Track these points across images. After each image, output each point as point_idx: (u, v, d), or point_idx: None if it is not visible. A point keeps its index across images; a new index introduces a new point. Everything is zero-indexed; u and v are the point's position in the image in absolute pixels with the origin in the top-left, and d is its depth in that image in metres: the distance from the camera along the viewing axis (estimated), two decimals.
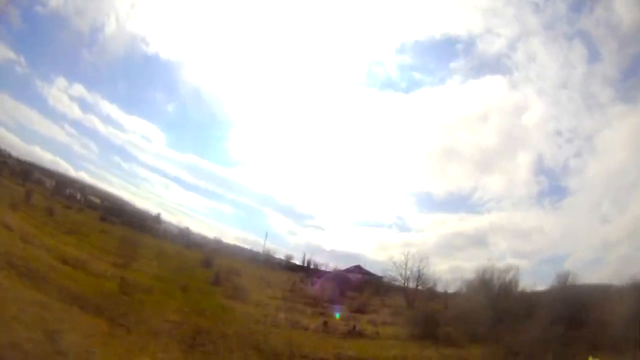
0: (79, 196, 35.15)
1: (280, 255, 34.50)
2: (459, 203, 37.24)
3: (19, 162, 32.11)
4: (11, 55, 32.16)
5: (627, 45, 32.52)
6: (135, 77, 40.57)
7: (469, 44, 38.62)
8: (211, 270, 24.57)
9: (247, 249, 35.37)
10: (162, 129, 39.12)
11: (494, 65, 39.23)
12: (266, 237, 34.70)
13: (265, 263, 32.98)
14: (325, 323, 18.83)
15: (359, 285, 29.06)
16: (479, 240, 33.49)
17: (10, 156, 31.91)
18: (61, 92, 34.34)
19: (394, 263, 27.83)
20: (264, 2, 43.37)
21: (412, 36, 44.87)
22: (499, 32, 37.07)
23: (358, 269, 30.95)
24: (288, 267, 32.73)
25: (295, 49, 46.54)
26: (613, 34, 33.18)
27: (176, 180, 39.16)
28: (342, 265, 31.93)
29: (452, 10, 42.59)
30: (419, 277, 27.32)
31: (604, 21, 33.44)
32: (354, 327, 18.68)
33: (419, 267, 27.28)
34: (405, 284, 27.70)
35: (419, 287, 27.60)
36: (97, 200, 35.34)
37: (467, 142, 39.34)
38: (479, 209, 36.14)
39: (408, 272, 27.40)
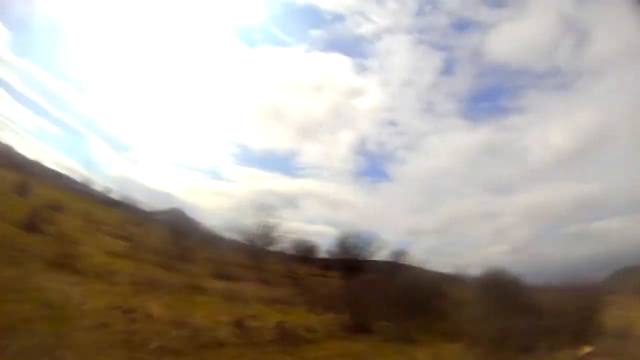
0: None
1: (99, 187, 31.51)
2: (276, 163, 39.53)
3: None
4: None
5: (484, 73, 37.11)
6: None
7: (339, 18, 40.61)
8: (27, 202, 19.73)
9: (65, 175, 31.69)
10: (9, 28, 32.70)
11: (351, 45, 41.38)
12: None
13: (85, 194, 30.12)
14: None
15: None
16: (290, 202, 34.87)
17: None
18: None
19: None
20: None
21: None
22: (372, 19, 39.15)
23: (179, 213, 32.29)
24: (108, 202, 30.14)
25: None
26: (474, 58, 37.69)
27: (8, 88, 33.19)
28: (161, 206, 30.10)
29: None
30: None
31: (471, 46, 38.56)
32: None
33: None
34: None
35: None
36: None
37: (295, 107, 40.61)
38: (295, 172, 37.92)
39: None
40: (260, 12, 45.19)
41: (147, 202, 30.04)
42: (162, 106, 41.39)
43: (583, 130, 33.29)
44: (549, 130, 35.85)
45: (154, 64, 41.60)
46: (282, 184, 36.32)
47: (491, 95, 41.27)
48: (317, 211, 35.81)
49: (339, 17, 40.96)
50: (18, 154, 31.68)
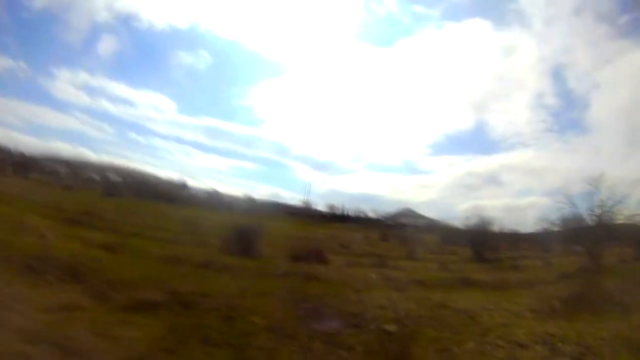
0: (97, 178, 33.54)
1: (318, 206, 33.36)
2: (465, 145, 38.81)
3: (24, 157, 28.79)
4: (10, 62, 32.56)
5: None
6: (138, 52, 40.64)
7: None
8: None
9: (281, 203, 34.44)
10: (171, 97, 39.16)
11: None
12: (308, 188, 33.60)
13: (310, 217, 32.24)
14: None
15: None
16: (491, 179, 34.05)
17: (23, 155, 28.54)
18: (66, 84, 34.73)
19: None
20: None
21: None
22: None
23: (410, 212, 30.92)
24: (335, 218, 31.94)
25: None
26: None
27: (195, 145, 41.86)
28: (387, 211, 31.49)
29: None
30: None
31: None
32: None
33: None
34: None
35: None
36: (119, 179, 34.23)
37: (463, 87, 39.86)
38: (486, 149, 36.97)
39: None
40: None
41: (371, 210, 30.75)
42: (343, 117, 43.44)
43: None
44: None
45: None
46: (476, 164, 34.73)
47: None
48: (523, 183, 34.04)
49: None
50: (225, 195, 35.90)
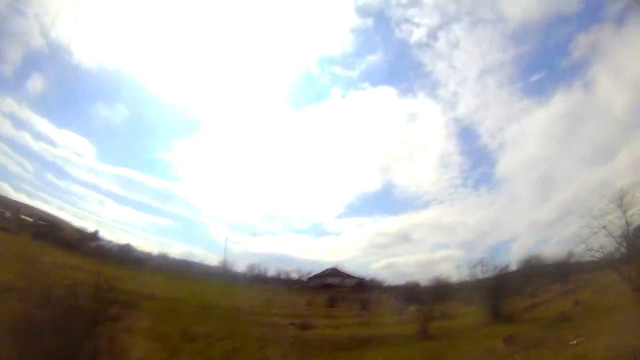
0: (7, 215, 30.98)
1: (239, 267, 31.11)
2: (373, 206, 38.51)
3: None
4: None
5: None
6: (64, 89, 38.17)
7: None
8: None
9: (196, 262, 32.44)
10: (91, 142, 37.13)
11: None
12: (226, 243, 30.93)
13: (231, 279, 29.31)
14: None
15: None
16: (403, 237, 34.47)
17: None
18: None
19: None
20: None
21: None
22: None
23: (336, 272, 29.09)
24: (260, 280, 29.24)
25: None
26: None
27: (110, 194, 37.82)
28: (309, 272, 29.99)
29: None
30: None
31: None
32: None
33: None
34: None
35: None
36: (30, 219, 32.18)
37: (369, 151, 40.51)
38: (394, 210, 38.78)
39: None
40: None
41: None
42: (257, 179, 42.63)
43: None
44: None
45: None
46: (384, 224, 35.06)
47: None
48: (435, 239, 34.73)
49: None
50: (138, 251, 33.39)
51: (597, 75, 33.08)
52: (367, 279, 28.26)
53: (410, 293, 25.96)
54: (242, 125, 43.09)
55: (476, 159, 38.45)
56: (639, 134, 30.59)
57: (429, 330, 18.00)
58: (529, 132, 36.20)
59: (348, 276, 28.63)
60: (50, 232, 31.91)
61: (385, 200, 37.19)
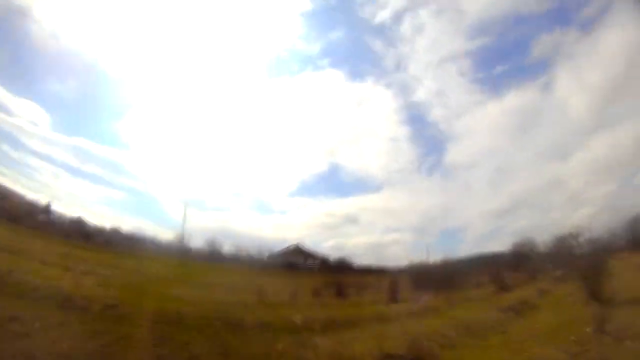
0: None
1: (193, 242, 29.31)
2: (317, 188, 37.81)
3: None
4: None
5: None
6: (22, 55, 34.52)
7: None
8: None
9: (148, 237, 30.70)
10: (47, 110, 34.67)
11: None
12: (184, 217, 28.92)
13: (187, 255, 27.42)
14: None
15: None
16: (350, 219, 34.17)
17: None
18: None
19: None
20: None
21: None
22: None
23: (298, 250, 27.53)
24: (216, 257, 27.34)
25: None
26: None
27: (64, 166, 35.81)
28: (268, 249, 28.51)
29: None
30: None
31: None
32: None
33: None
34: None
35: None
36: None
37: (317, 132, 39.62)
38: (338, 192, 38.03)
39: None
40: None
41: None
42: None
43: None
44: None
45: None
46: (330, 205, 34.46)
47: None
48: (383, 222, 34.20)
49: None
50: (90, 225, 31.81)
51: (557, 76, 33.33)
52: (331, 259, 26.82)
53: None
54: (195, 98, 41.44)
55: (429, 146, 38.29)
56: (596, 137, 31.88)
57: None
58: (484, 124, 36.00)
59: (311, 255, 27.25)
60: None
61: (331, 183, 36.69)
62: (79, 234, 30.95)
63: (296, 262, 26.79)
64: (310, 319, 11.97)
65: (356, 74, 42.29)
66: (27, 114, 34.40)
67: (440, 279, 19.86)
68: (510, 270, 26.02)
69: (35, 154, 34.95)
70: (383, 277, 23.41)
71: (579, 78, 32.94)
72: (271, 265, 27.20)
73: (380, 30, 37.06)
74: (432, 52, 39.75)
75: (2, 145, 33.61)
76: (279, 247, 28.04)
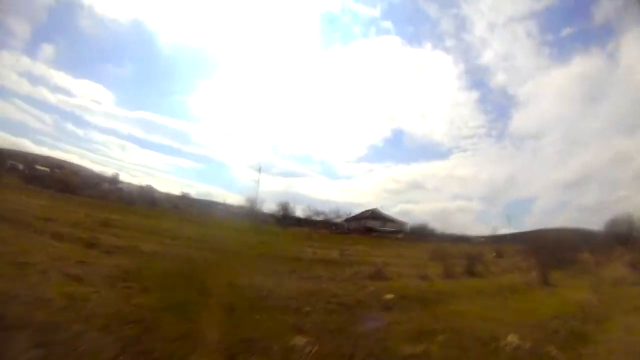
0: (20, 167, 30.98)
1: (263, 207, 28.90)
2: (382, 153, 38.46)
3: None
4: None
5: None
6: (79, 42, 38.15)
7: None
8: None
9: (217, 202, 31.55)
10: (108, 88, 36.56)
11: None
12: (258, 182, 28.47)
13: (262, 220, 26.92)
14: None
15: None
16: (415, 184, 33.81)
17: None
18: (7, 69, 31.44)
19: None
20: None
21: None
22: None
23: (376, 214, 26.65)
24: (290, 221, 26.81)
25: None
26: None
27: (130, 138, 37.92)
28: (346, 213, 27.68)
29: None
30: None
31: None
32: None
33: None
34: None
35: None
36: (46, 169, 31.97)
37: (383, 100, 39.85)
38: (401, 158, 37.87)
39: None
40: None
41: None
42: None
43: None
44: None
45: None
46: (395, 170, 34.33)
47: None
48: (449, 189, 34.00)
49: None
50: (161, 193, 32.56)
51: (622, 44, 30.85)
52: (409, 224, 25.82)
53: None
54: (260, 66, 41.27)
55: (494, 112, 37.43)
56: None
57: None
58: (550, 90, 34.52)
59: (389, 219, 26.33)
60: (52, 177, 30.80)
61: (396, 149, 36.72)
62: (144, 201, 31.37)
63: (374, 226, 26.01)
64: None
65: (417, 37, 41.63)
66: (88, 94, 36.90)
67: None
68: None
69: (100, 129, 37.11)
70: (483, 247, 22.08)
71: None
72: (348, 229, 26.52)
73: None
74: (499, 11, 37.78)
75: (66, 125, 35.66)
76: (348, 211, 27.42)
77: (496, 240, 28.95)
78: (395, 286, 9.88)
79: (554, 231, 23.29)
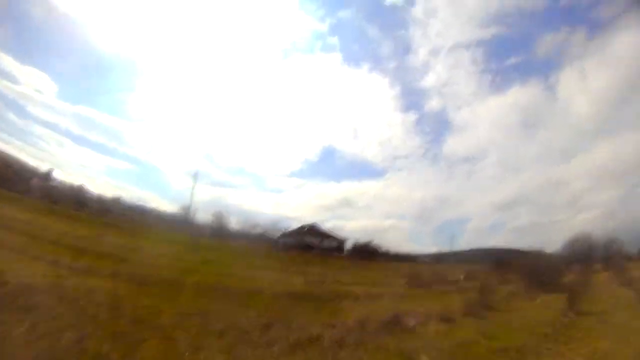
0: None
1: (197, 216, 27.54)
2: (314, 170, 38.59)
3: None
4: None
5: None
6: (30, 26, 36.73)
7: None
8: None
9: (149, 209, 30.41)
10: (52, 79, 36.09)
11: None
12: (192, 189, 26.88)
13: (197, 231, 25.40)
14: None
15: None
16: (346, 202, 35.44)
17: None
18: None
19: None
20: None
21: None
22: None
23: (314, 230, 25.63)
24: (224, 234, 25.29)
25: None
26: None
27: (68, 134, 36.63)
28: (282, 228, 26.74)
29: None
30: None
31: None
32: None
33: None
34: None
35: None
36: None
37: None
38: (332, 176, 39.53)
39: None
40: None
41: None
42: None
43: None
44: None
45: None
46: (326, 188, 35.34)
47: None
48: (380, 208, 34.44)
49: None
50: (92, 194, 30.42)
51: (561, 77, 35.03)
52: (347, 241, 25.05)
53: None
54: (199, 74, 41.17)
55: (430, 134, 40.04)
56: (599, 142, 33.91)
57: None
58: (490, 116, 37.13)
59: (328, 236, 25.42)
60: None
61: (327, 166, 37.81)
62: (75, 201, 29.19)
63: (312, 242, 25.04)
64: None
65: (359, 56, 44.31)
66: (33, 82, 34.26)
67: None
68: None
69: (40, 122, 35.15)
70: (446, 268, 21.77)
71: (584, 80, 33.08)
72: (282, 245, 25.43)
73: (393, 10, 38.13)
74: (445, 37, 37.82)
75: (8, 114, 33.56)
76: (282, 225, 26.42)
77: (439, 259, 28.88)
78: (433, 342, 6.85)
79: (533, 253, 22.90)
